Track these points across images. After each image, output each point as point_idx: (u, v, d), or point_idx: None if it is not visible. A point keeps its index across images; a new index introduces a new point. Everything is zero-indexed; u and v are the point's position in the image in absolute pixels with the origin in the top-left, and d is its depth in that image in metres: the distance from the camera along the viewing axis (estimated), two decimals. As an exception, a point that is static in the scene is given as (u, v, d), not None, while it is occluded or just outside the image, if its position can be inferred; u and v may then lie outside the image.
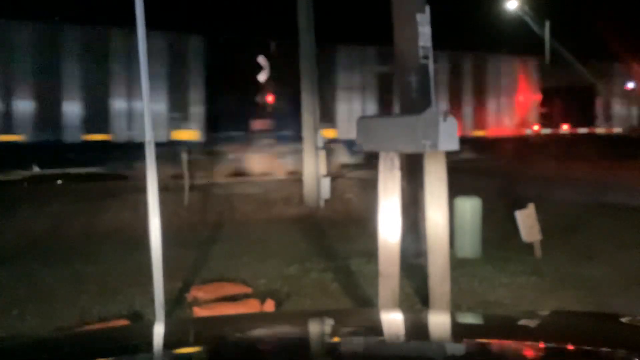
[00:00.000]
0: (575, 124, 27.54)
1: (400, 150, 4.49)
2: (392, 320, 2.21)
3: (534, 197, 8.49)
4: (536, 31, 30.51)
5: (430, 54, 6.88)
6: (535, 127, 26.35)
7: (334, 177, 14.05)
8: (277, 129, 18.78)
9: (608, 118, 28.44)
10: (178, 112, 19.42)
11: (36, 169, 16.60)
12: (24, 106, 17.61)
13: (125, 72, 18.07)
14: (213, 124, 19.27)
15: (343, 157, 18.00)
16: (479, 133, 25.07)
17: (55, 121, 17.92)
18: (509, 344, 1.75)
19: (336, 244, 8.25)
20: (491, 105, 25.55)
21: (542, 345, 1.69)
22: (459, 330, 1.99)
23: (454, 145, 4.23)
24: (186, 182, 12.49)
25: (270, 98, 20.58)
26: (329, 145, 14.75)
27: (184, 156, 12.83)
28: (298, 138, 13.18)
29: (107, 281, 6.36)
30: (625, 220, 9.63)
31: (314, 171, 12.40)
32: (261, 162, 17.64)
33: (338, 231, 9.26)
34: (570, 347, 1.66)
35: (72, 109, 18.16)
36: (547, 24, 30.72)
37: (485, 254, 7.29)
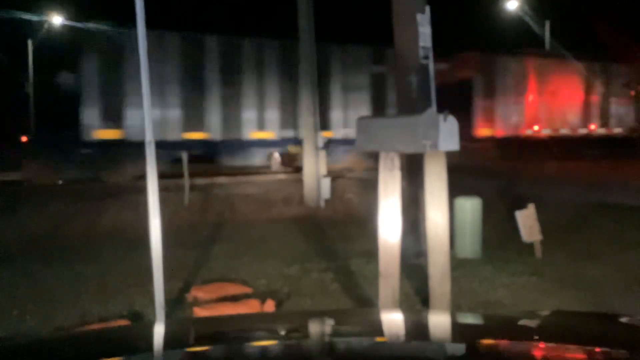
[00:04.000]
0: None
1: (400, 150, 4.48)
2: (392, 320, 2.20)
3: (534, 197, 8.49)
4: (536, 31, 30.52)
5: (430, 54, 6.87)
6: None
7: (334, 177, 14.05)
8: None
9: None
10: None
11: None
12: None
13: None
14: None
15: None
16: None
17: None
18: (509, 344, 1.75)
19: (336, 244, 8.24)
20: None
21: (542, 345, 1.69)
22: (459, 330, 1.98)
23: (454, 146, 4.23)
24: (186, 182, 12.50)
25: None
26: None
27: (184, 156, 12.84)
28: None
29: (107, 281, 6.35)
30: (626, 220, 9.63)
31: (314, 171, 12.40)
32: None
33: (338, 231, 9.25)
34: (570, 347, 1.66)
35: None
36: (547, 24, 30.73)
37: (485, 254, 7.29)
